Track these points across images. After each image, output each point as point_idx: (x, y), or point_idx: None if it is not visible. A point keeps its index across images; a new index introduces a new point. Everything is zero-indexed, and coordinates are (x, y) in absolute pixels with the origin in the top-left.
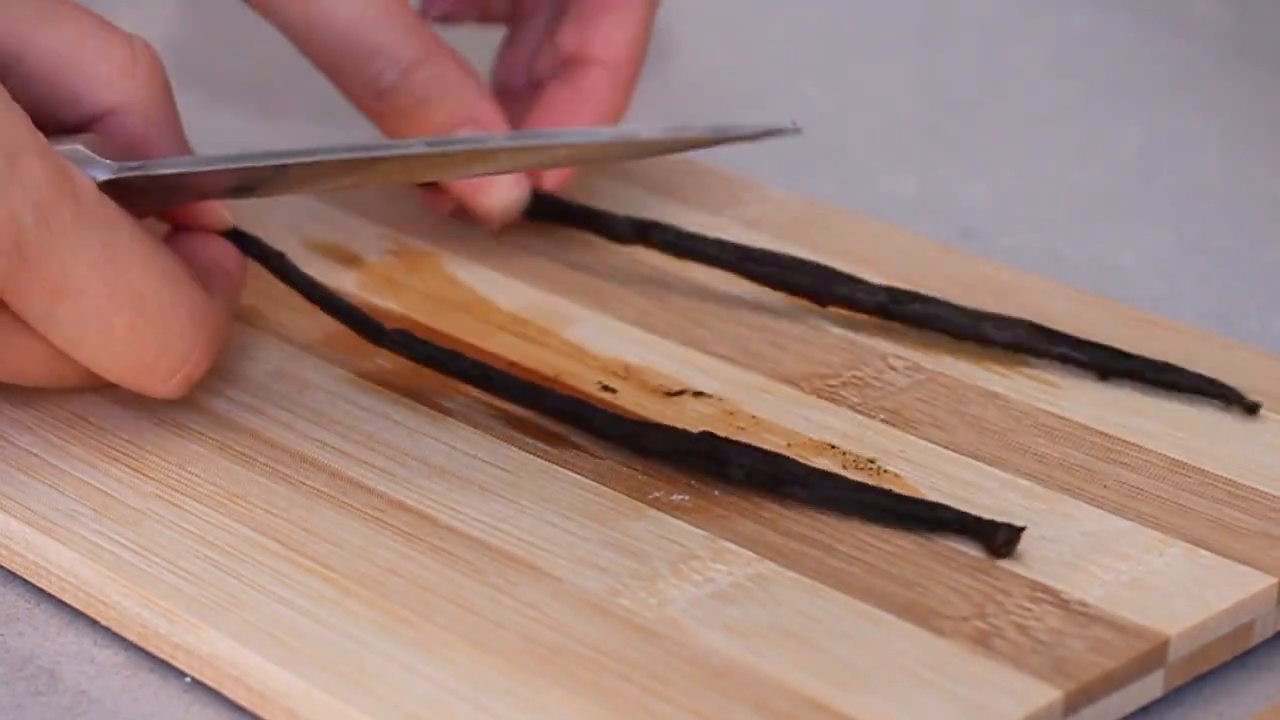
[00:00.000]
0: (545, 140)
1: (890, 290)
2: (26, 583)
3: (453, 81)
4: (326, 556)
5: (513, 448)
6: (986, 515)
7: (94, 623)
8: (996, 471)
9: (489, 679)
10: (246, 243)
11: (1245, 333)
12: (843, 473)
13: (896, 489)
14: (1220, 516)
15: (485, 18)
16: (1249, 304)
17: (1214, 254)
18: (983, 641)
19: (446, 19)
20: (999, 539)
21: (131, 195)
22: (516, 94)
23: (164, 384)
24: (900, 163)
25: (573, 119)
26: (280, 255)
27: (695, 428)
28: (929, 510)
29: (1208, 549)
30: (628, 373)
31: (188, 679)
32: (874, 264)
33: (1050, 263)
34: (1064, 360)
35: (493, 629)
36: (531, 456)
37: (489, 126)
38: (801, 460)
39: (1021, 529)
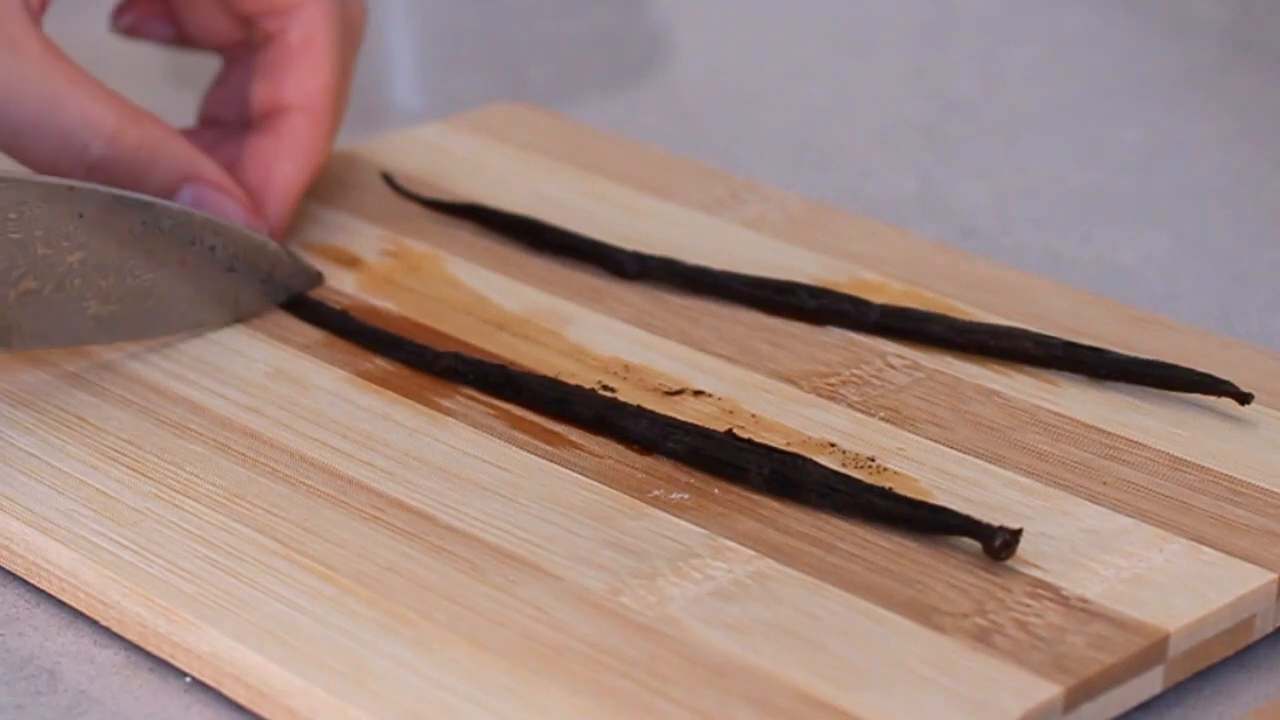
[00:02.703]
0: None
1: (883, 308)
2: (26, 583)
3: (162, 140)
4: (326, 555)
5: (513, 447)
6: (987, 512)
7: (94, 623)
8: (996, 469)
9: (489, 677)
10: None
11: (1246, 333)
12: (842, 470)
13: (897, 487)
14: (1221, 513)
15: (183, 43)
16: (1249, 304)
17: (1214, 254)
18: (983, 638)
19: (132, 32)
20: (997, 542)
21: None
22: (227, 126)
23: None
24: (900, 163)
25: (277, 163)
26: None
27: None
28: (931, 514)
29: (1208, 545)
30: (627, 372)
31: (188, 679)
32: (874, 264)
33: (1050, 263)
34: (1061, 367)
35: (493, 627)
36: (531, 456)
37: (207, 181)
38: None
39: (1019, 531)
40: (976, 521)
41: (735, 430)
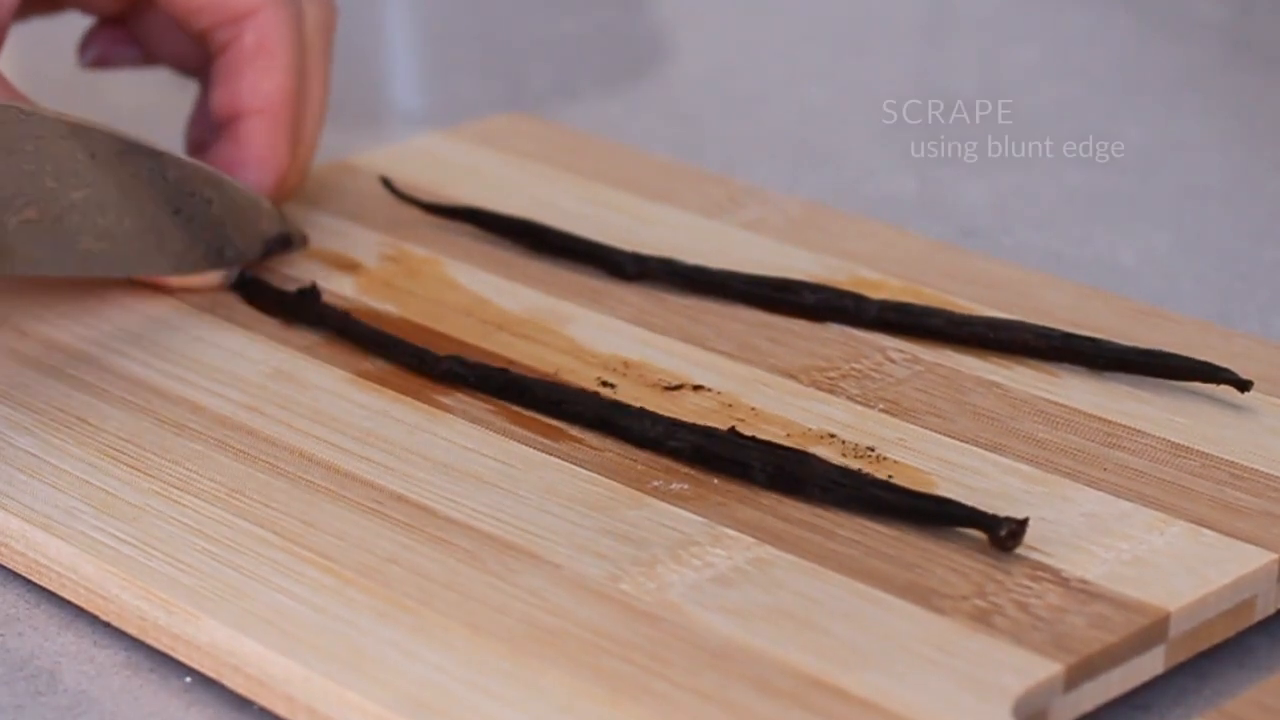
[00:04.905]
0: None
1: (882, 303)
2: (26, 583)
3: None
4: (325, 547)
5: (512, 442)
6: (986, 499)
7: (94, 623)
8: (996, 457)
9: (488, 662)
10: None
11: (1246, 333)
12: (842, 461)
13: (896, 475)
14: (1221, 497)
15: (156, 62)
16: (1249, 304)
17: (1214, 254)
18: (983, 619)
19: (101, 63)
20: (1003, 532)
21: None
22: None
23: None
24: (900, 163)
25: (237, 173)
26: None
27: (696, 421)
28: (936, 506)
29: (1209, 528)
30: (626, 369)
31: (188, 679)
32: (873, 262)
33: (1050, 263)
34: (1060, 358)
35: (492, 614)
36: (531, 450)
37: None
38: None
39: (1024, 521)
40: (982, 513)
41: (736, 425)
